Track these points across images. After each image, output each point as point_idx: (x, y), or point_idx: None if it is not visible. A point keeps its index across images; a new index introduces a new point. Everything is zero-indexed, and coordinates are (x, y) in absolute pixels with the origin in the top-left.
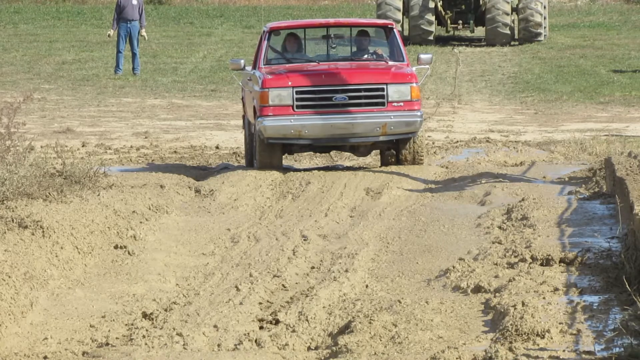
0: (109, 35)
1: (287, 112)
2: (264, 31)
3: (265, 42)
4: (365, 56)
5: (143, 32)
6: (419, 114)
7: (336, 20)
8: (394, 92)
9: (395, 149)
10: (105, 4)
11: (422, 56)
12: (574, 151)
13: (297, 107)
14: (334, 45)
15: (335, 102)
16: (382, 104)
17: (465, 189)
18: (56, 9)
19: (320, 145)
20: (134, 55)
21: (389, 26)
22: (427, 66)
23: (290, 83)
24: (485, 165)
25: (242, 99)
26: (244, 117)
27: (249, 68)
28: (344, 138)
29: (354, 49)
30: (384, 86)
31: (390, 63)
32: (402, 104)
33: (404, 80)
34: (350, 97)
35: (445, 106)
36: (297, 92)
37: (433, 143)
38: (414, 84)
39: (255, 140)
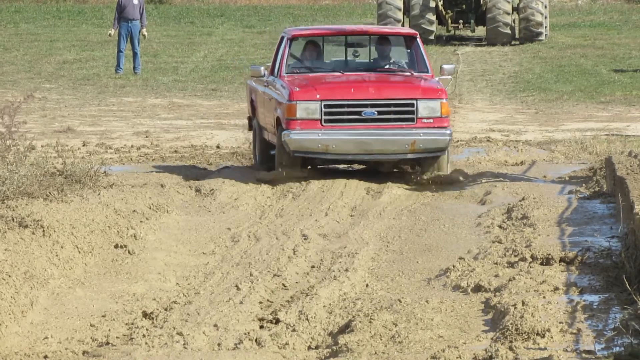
0: (109, 35)
1: (315, 126)
2: (283, 37)
3: (287, 49)
4: (388, 65)
5: (144, 32)
6: (448, 131)
7: (360, 28)
8: (424, 108)
9: (419, 164)
10: (106, 3)
11: (446, 67)
12: (575, 150)
13: (326, 121)
14: (357, 54)
15: (364, 117)
16: (412, 119)
17: (465, 188)
18: (57, 9)
19: (346, 160)
20: (134, 54)
21: (413, 35)
22: (450, 77)
23: (318, 96)
24: (485, 165)
25: (252, 101)
26: (250, 118)
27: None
28: (372, 154)
29: (375, 57)
30: (414, 102)
31: (416, 74)
32: (432, 120)
33: (434, 96)
34: (380, 112)
35: None
36: (325, 106)
37: None
38: (444, 100)
39: (278, 150)
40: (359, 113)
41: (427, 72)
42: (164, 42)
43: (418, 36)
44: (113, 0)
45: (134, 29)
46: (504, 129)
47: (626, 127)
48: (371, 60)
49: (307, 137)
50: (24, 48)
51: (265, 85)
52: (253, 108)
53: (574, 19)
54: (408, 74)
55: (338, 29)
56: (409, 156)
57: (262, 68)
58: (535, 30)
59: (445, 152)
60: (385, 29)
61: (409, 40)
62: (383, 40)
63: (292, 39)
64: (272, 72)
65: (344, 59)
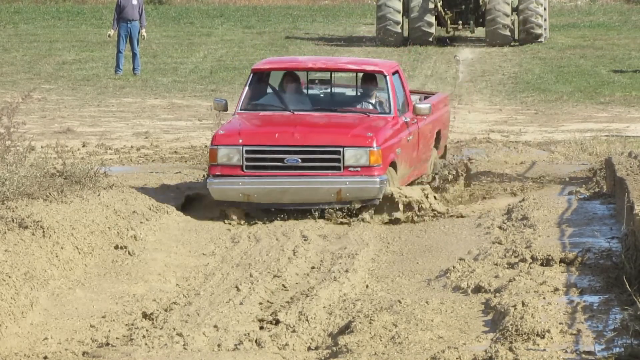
0: (109, 36)
1: (236, 172)
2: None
3: (247, 84)
4: (350, 105)
5: (143, 32)
6: (378, 179)
7: (324, 63)
8: (351, 156)
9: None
10: (105, 3)
11: (420, 106)
12: (574, 151)
13: (247, 167)
14: (321, 91)
15: (287, 164)
16: (338, 168)
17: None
18: (56, 9)
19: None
20: (134, 55)
21: (379, 73)
22: (425, 116)
23: (240, 141)
24: (485, 166)
25: None
26: None
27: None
28: (296, 204)
29: (340, 95)
30: (340, 149)
31: (372, 116)
32: (359, 169)
33: (362, 144)
34: (304, 160)
35: None
36: (246, 152)
37: None
38: (374, 148)
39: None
40: (281, 160)
41: (390, 113)
42: (164, 43)
43: (386, 73)
44: (112, 0)
45: (133, 29)
46: (503, 130)
47: (626, 128)
48: (333, 98)
49: (227, 187)
50: (24, 49)
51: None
52: None
53: (574, 19)
54: (362, 115)
55: (300, 64)
56: (336, 205)
57: (225, 101)
58: (534, 32)
59: (377, 200)
60: (351, 64)
61: (376, 77)
62: (362, 77)
63: (253, 73)
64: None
65: (307, 95)
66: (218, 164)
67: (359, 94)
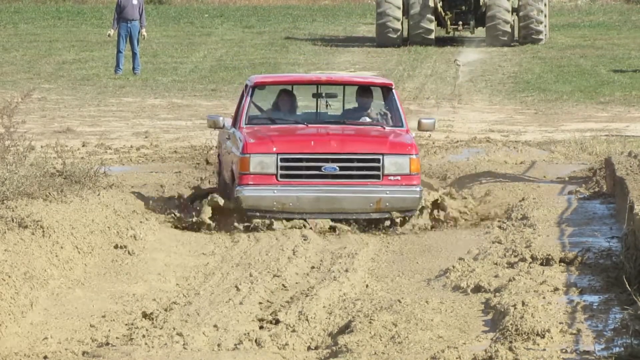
0: (109, 35)
1: (270, 181)
2: (246, 85)
3: (248, 98)
4: (360, 118)
5: (143, 32)
6: (418, 189)
7: (328, 77)
8: (391, 164)
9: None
10: (105, 3)
11: (424, 121)
12: (574, 151)
13: (282, 176)
14: (327, 105)
15: (324, 172)
16: (377, 177)
17: (465, 188)
18: (56, 9)
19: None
20: (134, 55)
21: (388, 86)
22: (429, 133)
23: (274, 149)
24: (485, 165)
25: (219, 157)
26: (219, 174)
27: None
28: (333, 213)
29: (348, 109)
30: (380, 157)
31: (388, 129)
32: (399, 177)
33: (402, 151)
34: (342, 168)
35: (445, 106)
36: (281, 160)
37: (433, 143)
38: (414, 156)
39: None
40: (318, 168)
41: (402, 126)
42: (164, 43)
43: (393, 87)
44: (112, 0)
45: (134, 29)
46: (503, 130)
47: (626, 128)
48: (342, 112)
49: (261, 194)
50: (24, 48)
51: (226, 139)
52: (219, 165)
53: (574, 19)
54: (379, 127)
55: (307, 78)
56: (374, 215)
57: (221, 118)
58: (535, 33)
59: (416, 211)
60: (358, 78)
61: (384, 91)
62: (360, 89)
63: (255, 87)
64: (233, 124)
65: (312, 110)
66: (250, 173)
67: (369, 107)
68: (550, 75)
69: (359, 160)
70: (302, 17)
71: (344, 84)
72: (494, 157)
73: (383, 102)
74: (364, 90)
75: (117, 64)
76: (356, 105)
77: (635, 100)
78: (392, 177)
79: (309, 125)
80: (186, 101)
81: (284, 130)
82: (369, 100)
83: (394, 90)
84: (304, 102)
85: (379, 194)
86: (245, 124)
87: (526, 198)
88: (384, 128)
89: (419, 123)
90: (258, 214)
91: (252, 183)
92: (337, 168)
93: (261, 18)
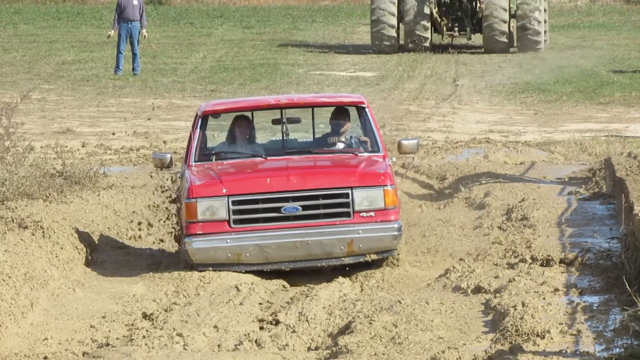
0: (109, 36)
1: (222, 229)
2: (196, 115)
3: (198, 130)
4: (339, 145)
5: (144, 32)
6: (396, 225)
7: (289, 99)
8: (362, 198)
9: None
10: (105, 4)
11: (405, 142)
12: (574, 151)
13: (235, 222)
14: (286, 133)
15: (284, 214)
16: (347, 214)
17: (465, 189)
18: (56, 10)
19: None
20: (134, 55)
21: (360, 105)
22: (412, 155)
23: (224, 190)
24: (485, 166)
25: (177, 203)
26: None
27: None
28: (298, 261)
29: (324, 135)
30: (348, 191)
31: (362, 155)
32: (372, 213)
33: (374, 183)
34: (305, 207)
35: (445, 106)
36: (233, 203)
37: (433, 143)
38: (389, 187)
39: (182, 263)
40: (277, 209)
41: (378, 151)
42: (163, 43)
43: (366, 104)
44: (112, 1)
45: (134, 30)
46: (503, 130)
47: (625, 128)
48: (312, 140)
49: (213, 245)
50: (23, 49)
51: (180, 178)
52: (178, 212)
53: (573, 19)
54: (352, 154)
55: (264, 102)
56: (347, 260)
57: (169, 155)
58: (533, 44)
59: (395, 251)
60: (324, 98)
61: (357, 110)
62: (333, 112)
63: (203, 117)
64: (185, 161)
65: (276, 138)
66: (199, 221)
67: (343, 130)
68: (550, 75)
69: (324, 197)
70: (302, 18)
71: (307, 105)
72: (494, 157)
73: (358, 124)
74: (339, 111)
75: (117, 64)
76: (329, 130)
77: (635, 101)
78: (364, 214)
79: (269, 158)
80: (186, 102)
81: (238, 166)
82: (343, 123)
83: (367, 109)
84: (267, 131)
85: (350, 234)
86: (195, 162)
87: (526, 199)
88: (357, 155)
89: (399, 145)
90: (211, 268)
91: (201, 232)
92: (299, 208)
93: (261, 19)
